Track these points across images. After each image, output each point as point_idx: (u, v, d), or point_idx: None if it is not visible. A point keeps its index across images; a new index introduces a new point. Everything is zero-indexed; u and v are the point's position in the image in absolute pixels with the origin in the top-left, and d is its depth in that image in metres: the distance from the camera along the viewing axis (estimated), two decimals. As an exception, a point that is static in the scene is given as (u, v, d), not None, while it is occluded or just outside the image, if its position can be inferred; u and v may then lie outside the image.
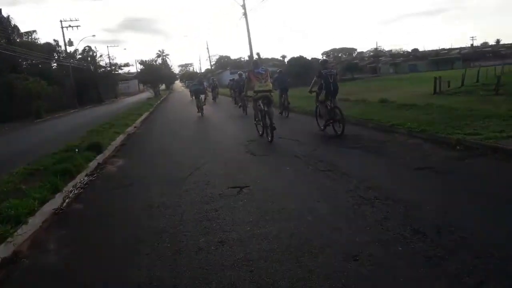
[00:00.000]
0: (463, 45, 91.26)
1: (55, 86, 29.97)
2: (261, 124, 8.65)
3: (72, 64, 37.02)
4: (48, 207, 4.86)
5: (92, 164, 7.35)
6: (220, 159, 6.93)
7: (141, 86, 66.84)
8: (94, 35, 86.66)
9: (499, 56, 68.94)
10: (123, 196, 5.25)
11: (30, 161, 7.62)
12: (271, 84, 8.49)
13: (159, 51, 74.68)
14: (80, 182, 6.20)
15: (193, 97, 25.53)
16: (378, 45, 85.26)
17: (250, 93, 9.09)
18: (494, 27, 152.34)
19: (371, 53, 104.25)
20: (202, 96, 17.09)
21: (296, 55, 48.28)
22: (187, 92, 48.00)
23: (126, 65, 51.66)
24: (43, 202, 4.91)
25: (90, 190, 5.82)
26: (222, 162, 6.67)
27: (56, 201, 5.13)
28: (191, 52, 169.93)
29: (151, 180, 5.96)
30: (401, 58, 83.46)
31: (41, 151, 9.17)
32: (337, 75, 8.85)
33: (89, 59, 45.96)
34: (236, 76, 19.34)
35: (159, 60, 59.84)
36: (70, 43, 37.97)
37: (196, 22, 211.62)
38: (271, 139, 8.07)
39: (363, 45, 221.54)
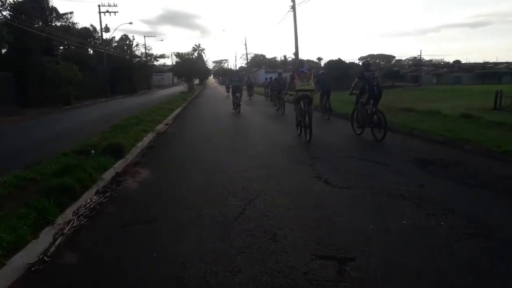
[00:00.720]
0: (510, 60, 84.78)
1: (88, 72, 28.93)
2: (301, 123, 8.61)
3: (107, 51, 36.13)
4: (21, 259, 3.00)
5: (107, 176, 5.53)
6: (281, 187, 4.86)
7: (175, 79, 66.06)
8: (131, 23, 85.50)
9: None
10: (140, 246, 3.31)
11: (31, 162, 5.93)
12: (313, 84, 8.40)
13: (196, 45, 73.42)
14: (85, 205, 4.36)
15: (229, 94, 24.09)
16: (418, 54, 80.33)
17: (291, 92, 8.97)
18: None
19: (410, 62, 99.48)
20: (239, 93, 16.07)
21: (332, 58, 46.24)
22: (221, 88, 46.63)
23: (162, 56, 50.60)
24: (15, 248, 3.08)
25: (95, 221, 3.95)
26: (285, 193, 4.61)
27: (39, 245, 3.28)
28: (226, 49, 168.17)
29: (184, 216, 3.98)
30: (445, 69, 79.22)
31: (53, 146, 7.58)
32: (379, 78, 8.68)
33: (125, 47, 45.23)
34: (273, 75, 17.90)
35: (195, 54, 58.54)
36: (107, 30, 37.04)
37: (235, 19, 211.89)
38: (309, 138, 8.04)
39: (401, 53, 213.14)
